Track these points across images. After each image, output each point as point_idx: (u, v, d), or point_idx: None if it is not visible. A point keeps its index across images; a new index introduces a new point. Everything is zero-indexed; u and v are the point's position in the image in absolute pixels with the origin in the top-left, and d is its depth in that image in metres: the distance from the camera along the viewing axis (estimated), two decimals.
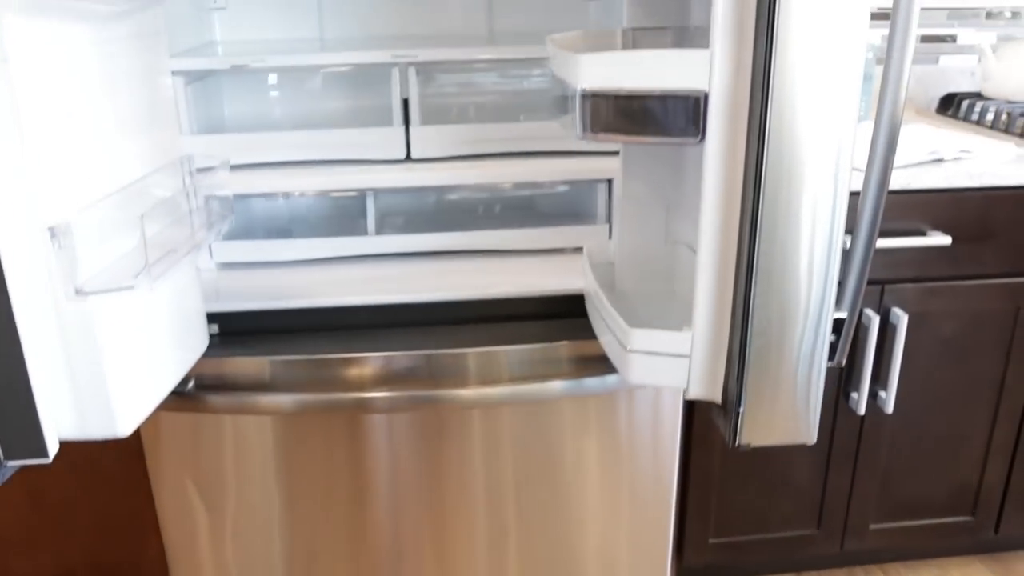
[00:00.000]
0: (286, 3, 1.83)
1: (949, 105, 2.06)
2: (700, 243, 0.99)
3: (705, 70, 0.92)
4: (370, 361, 1.34)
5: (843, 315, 1.05)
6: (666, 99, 0.96)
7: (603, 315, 1.18)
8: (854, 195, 0.92)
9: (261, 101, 1.78)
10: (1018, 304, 1.69)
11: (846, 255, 1.02)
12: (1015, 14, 2.16)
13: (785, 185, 0.94)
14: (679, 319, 1.07)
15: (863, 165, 0.97)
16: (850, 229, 0.97)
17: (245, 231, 1.65)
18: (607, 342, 1.19)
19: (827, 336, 1.03)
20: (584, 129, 1.00)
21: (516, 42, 1.64)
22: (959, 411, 1.76)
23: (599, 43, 1.23)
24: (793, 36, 0.87)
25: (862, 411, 1.67)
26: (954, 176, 1.57)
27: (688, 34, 1.21)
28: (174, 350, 1.18)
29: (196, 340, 1.27)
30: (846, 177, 0.92)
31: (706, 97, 0.93)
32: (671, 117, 0.96)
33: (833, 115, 0.89)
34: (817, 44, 0.87)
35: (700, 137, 0.94)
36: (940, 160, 1.61)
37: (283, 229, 1.68)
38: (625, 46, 1.23)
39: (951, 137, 1.76)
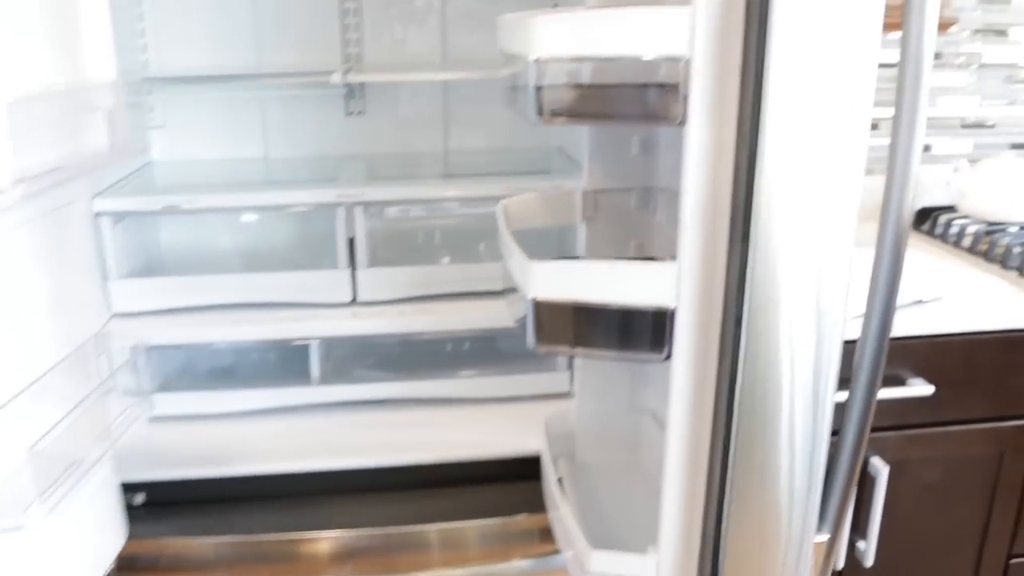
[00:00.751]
0: (229, 121, 1.73)
1: (925, 219, 1.98)
2: (667, 451, 0.88)
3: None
4: (320, 542, 1.21)
5: (824, 538, 0.95)
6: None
7: (563, 525, 1.07)
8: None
9: (199, 234, 1.66)
10: (1002, 448, 1.60)
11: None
12: (991, 125, 2.10)
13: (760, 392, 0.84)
14: (647, 515, 0.95)
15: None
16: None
17: (181, 378, 1.52)
18: (567, 556, 1.07)
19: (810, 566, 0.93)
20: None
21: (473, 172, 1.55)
22: (942, 559, 1.66)
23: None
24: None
25: (841, 564, 1.57)
26: (936, 321, 1.48)
27: None
28: (81, 558, 1.05)
29: (109, 538, 1.14)
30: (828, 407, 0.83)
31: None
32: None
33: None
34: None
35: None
36: (920, 302, 1.53)
37: (223, 373, 1.56)
38: None
39: (929, 266, 1.68)
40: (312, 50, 1.70)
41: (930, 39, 0.83)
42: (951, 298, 1.55)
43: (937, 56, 2.02)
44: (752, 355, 0.80)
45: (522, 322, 0.90)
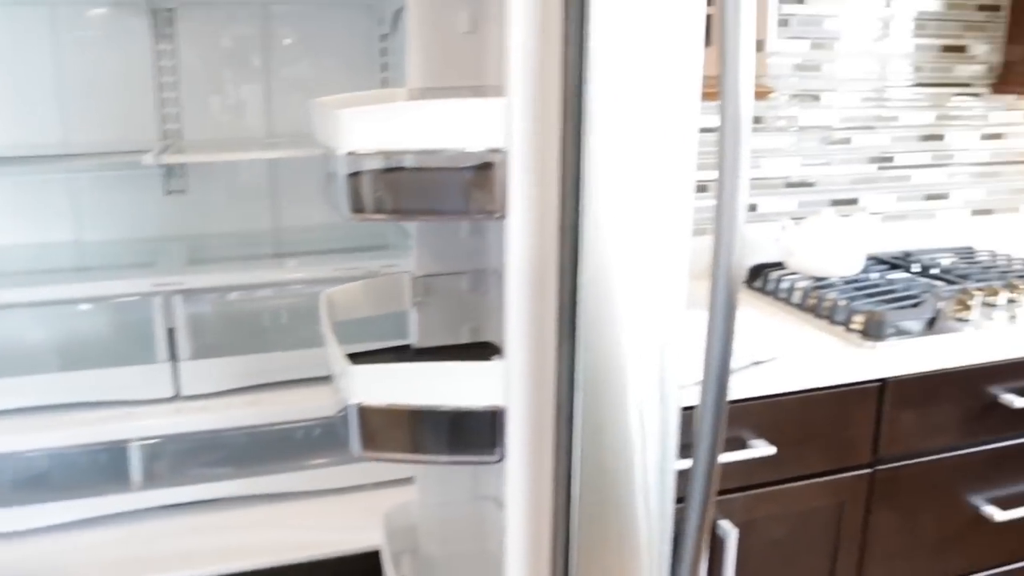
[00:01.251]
0: (36, 203, 1.59)
1: (757, 276, 2.05)
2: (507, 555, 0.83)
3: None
4: None
5: None
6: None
7: None
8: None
9: (5, 328, 1.51)
10: (842, 499, 1.64)
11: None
12: (812, 183, 2.20)
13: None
14: None
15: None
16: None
17: None
18: None
19: None
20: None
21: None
22: None
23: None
24: None
25: None
26: (773, 381, 1.51)
27: None
28: None
29: None
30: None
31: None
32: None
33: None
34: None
35: None
36: (757, 363, 1.56)
37: (34, 483, 1.41)
38: None
39: (763, 324, 1.72)
40: (126, 125, 1.60)
41: (747, 106, 0.82)
42: (786, 356, 1.59)
43: (758, 120, 2.11)
44: (594, 443, 0.77)
45: (344, 422, 0.84)
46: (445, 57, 1.09)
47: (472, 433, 0.80)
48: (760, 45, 1.68)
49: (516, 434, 0.79)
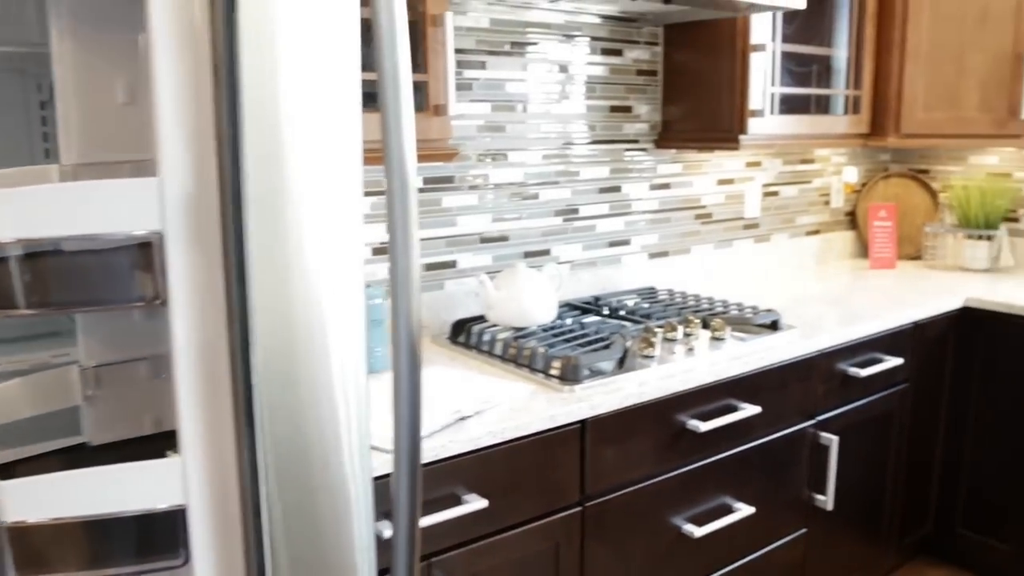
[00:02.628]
0: None
1: (460, 331, 2.09)
2: None
3: None
4: None
5: None
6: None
7: None
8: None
9: None
10: (556, 540, 1.70)
11: None
12: (505, 237, 2.30)
13: None
14: None
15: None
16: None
17: None
18: None
19: None
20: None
21: None
22: None
23: None
24: None
25: None
26: (480, 436, 1.54)
27: None
28: None
29: None
30: None
31: None
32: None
33: None
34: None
35: None
36: (463, 418, 1.58)
37: None
38: None
39: (469, 378, 1.76)
40: None
41: (411, 167, 0.82)
42: (491, 408, 1.63)
43: (451, 180, 2.17)
44: (287, 533, 0.72)
45: None
46: (102, 129, 1.01)
47: (158, 537, 0.73)
48: (440, 109, 1.73)
49: (201, 533, 0.73)
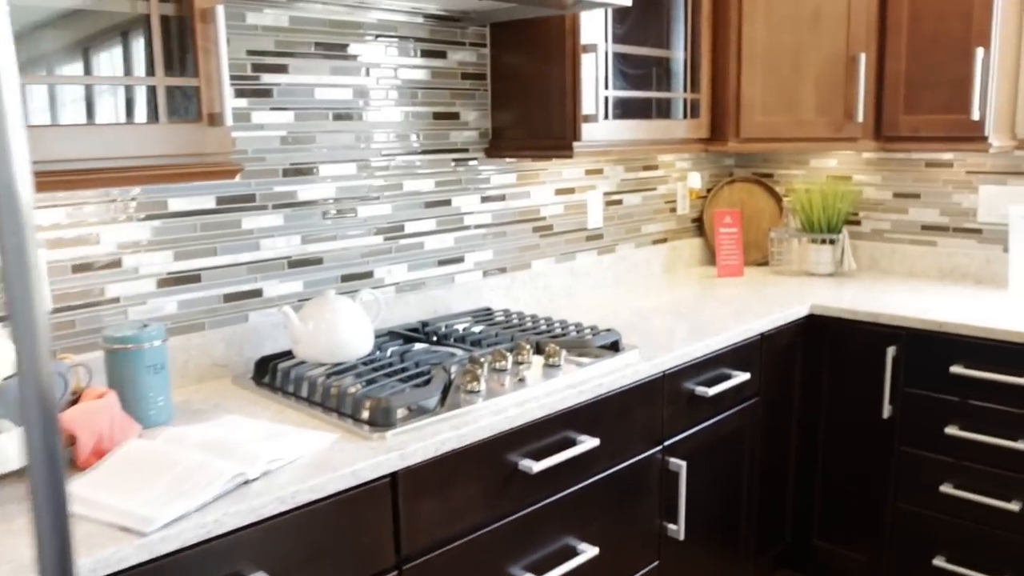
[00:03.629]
0: None
1: (264, 371, 1.84)
2: None
3: None
4: None
5: None
6: None
7: None
8: None
9: None
10: None
11: None
12: (319, 260, 2.05)
13: None
14: None
15: None
16: None
17: None
18: None
19: None
20: None
21: None
22: None
23: None
24: None
25: None
26: (265, 504, 1.29)
27: None
28: None
29: None
30: None
31: None
32: None
33: None
34: None
35: None
36: (248, 481, 1.33)
37: None
38: None
39: (262, 429, 1.51)
40: None
41: (21, 176, 0.59)
42: (285, 465, 1.39)
43: (251, 199, 1.91)
44: None
45: None
46: None
47: None
48: (216, 118, 1.48)
49: None
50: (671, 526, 2.13)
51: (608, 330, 2.06)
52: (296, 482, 1.34)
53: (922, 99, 2.52)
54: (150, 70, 1.45)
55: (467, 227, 2.41)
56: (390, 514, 1.49)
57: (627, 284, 2.94)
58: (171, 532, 1.20)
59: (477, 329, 2.13)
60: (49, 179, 1.33)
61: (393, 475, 1.48)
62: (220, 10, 1.46)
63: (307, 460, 1.42)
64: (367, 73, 2.11)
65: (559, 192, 2.68)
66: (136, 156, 1.42)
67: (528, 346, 1.90)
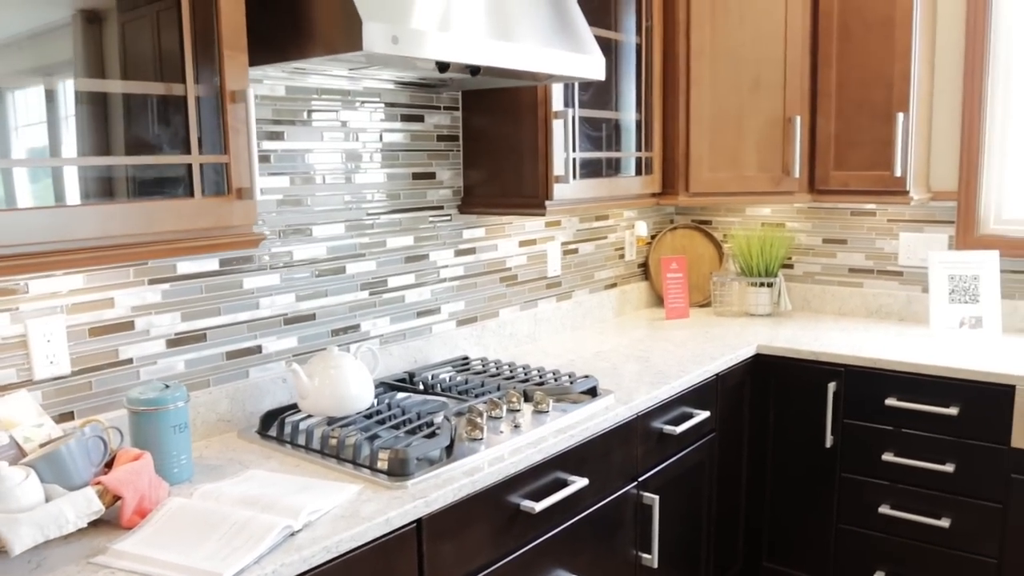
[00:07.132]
0: None
1: (270, 424, 1.93)
2: None
3: None
4: None
5: None
6: None
7: None
8: None
9: None
10: None
11: None
12: (311, 316, 2.16)
13: None
14: None
15: None
16: None
17: None
18: None
19: None
20: None
21: None
22: None
23: None
24: None
25: None
26: (314, 554, 1.39)
27: None
28: None
29: None
30: None
31: None
32: None
33: None
34: None
35: None
36: (294, 533, 1.43)
37: None
38: None
39: (289, 481, 1.60)
40: None
41: None
42: (322, 516, 1.49)
43: (250, 260, 2.01)
44: None
45: None
46: None
47: None
48: (244, 192, 1.59)
49: None
50: (645, 555, 2.29)
51: (585, 376, 2.22)
52: (337, 532, 1.45)
53: (851, 157, 2.79)
54: (186, 148, 1.55)
55: (443, 280, 2.54)
56: (415, 557, 1.60)
57: (583, 328, 3.12)
58: None
59: (460, 378, 2.26)
60: (91, 256, 1.42)
61: (418, 521, 1.60)
62: (251, 91, 1.58)
63: (339, 511, 1.53)
64: (356, 138, 2.24)
65: (522, 244, 2.84)
66: (174, 231, 1.52)
67: (517, 395, 2.04)
